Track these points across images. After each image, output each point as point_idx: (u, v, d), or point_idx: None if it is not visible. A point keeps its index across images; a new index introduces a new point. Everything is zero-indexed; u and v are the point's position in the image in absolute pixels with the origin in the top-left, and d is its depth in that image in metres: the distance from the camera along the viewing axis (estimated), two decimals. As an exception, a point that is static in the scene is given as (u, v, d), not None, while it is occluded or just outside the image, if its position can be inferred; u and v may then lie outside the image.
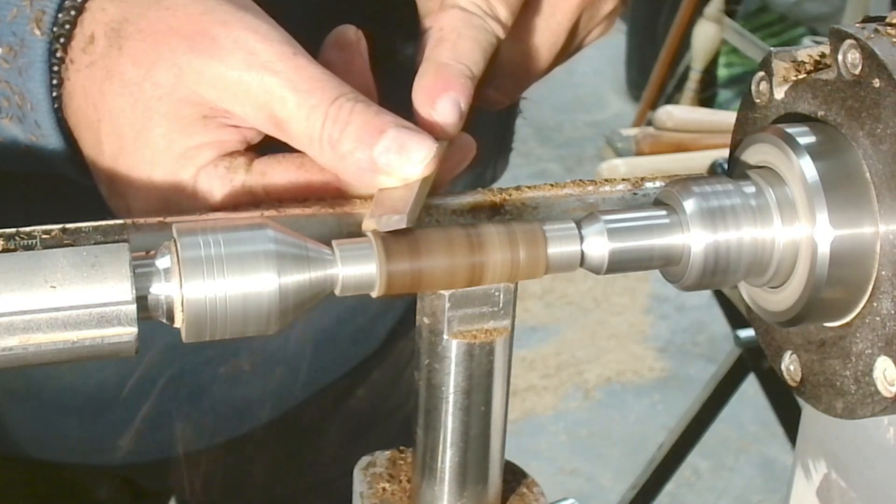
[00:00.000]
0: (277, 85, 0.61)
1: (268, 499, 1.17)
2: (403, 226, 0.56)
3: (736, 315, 2.32)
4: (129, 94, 0.63)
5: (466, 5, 0.68)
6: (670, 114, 2.60)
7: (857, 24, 0.56)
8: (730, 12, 4.01)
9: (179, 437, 1.08)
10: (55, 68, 0.64)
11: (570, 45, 0.78)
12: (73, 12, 0.63)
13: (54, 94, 0.64)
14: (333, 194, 0.62)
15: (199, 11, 0.62)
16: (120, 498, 1.20)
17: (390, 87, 0.67)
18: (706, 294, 2.90)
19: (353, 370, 1.11)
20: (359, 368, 1.11)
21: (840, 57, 0.56)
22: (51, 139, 0.65)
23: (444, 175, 0.64)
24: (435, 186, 0.62)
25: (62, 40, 0.63)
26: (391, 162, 0.60)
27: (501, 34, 0.70)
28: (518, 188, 0.63)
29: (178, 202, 0.63)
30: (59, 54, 0.63)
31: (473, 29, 0.68)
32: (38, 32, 0.63)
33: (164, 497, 1.24)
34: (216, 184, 0.63)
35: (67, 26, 0.63)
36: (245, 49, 0.61)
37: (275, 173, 0.63)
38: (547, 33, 0.75)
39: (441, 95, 0.64)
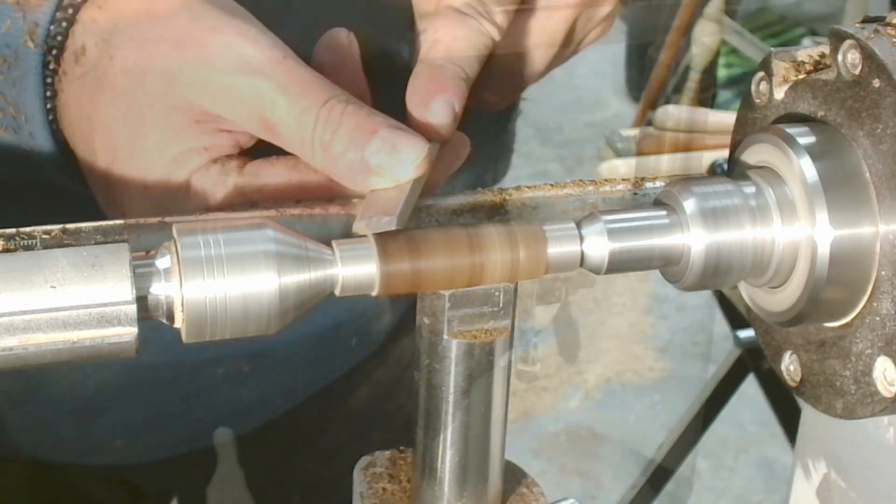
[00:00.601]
0: (268, 88, 0.61)
1: (269, 498, 1.17)
2: (394, 227, 0.56)
3: (736, 315, 2.32)
4: (120, 103, 0.63)
5: (462, 7, 0.68)
6: (670, 114, 2.60)
7: (857, 24, 0.56)
8: (730, 12, 4.00)
9: (178, 437, 1.08)
10: (49, 80, 0.64)
11: (567, 48, 0.78)
12: (64, 23, 0.63)
13: (48, 105, 0.64)
14: (326, 195, 0.62)
15: (189, 18, 0.62)
16: (119, 500, 1.20)
17: (384, 90, 0.67)
18: (706, 294, 2.90)
19: (355, 369, 1.11)
20: (361, 367, 1.12)
21: (840, 57, 0.56)
22: (46, 150, 0.65)
23: (437, 176, 0.64)
24: (429, 187, 0.62)
25: (55, 52, 0.64)
26: (382, 163, 0.60)
27: (497, 36, 0.69)
28: (518, 188, 0.63)
29: (172, 205, 0.63)
30: (52, 66, 0.64)
31: (469, 31, 0.68)
32: (31, 45, 0.63)
33: (163, 498, 1.24)
34: (208, 186, 0.63)
35: (59, 37, 0.63)
36: (235, 54, 0.61)
37: (267, 175, 0.63)
38: (543, 36, 0.75)
39: (435, 97, 0.64)
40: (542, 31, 0.75)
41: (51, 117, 0.65)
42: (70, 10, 0.64)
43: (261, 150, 0.65)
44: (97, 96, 0.63)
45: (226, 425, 1.09)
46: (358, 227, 0.56)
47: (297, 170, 0.63)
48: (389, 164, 0.60)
